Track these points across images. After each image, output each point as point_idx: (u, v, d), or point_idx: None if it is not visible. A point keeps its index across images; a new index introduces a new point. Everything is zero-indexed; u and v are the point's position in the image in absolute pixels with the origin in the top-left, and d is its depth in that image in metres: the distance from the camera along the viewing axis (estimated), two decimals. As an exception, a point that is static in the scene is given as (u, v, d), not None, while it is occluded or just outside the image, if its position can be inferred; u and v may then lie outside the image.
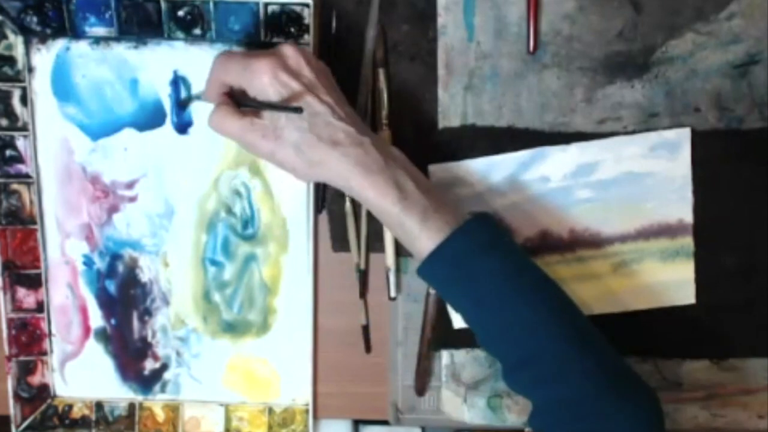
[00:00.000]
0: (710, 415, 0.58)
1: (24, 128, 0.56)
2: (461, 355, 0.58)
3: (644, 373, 0.58)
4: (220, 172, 0.57)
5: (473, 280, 0.47)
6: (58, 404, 0.59)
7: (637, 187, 0.56)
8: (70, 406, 0.59)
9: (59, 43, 0.55)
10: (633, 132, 0.55)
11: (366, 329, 0.59)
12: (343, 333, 0.59)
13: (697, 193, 0.56)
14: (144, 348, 0.59)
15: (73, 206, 0.57)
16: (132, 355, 0.59)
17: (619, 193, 0.56)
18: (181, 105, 0.55)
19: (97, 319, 0.59)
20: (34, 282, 0.58)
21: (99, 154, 0.56)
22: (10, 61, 0.55)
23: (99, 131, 0.56)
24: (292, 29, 0.54)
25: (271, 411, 0.59)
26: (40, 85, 0.55)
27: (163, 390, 0.59)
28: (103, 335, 0.59)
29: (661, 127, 0.55)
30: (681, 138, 0.55)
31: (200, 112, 0.56)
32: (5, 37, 0.54)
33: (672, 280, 0.56)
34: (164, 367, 0.59)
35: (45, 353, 0.59)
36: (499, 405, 0.58)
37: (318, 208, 0.57)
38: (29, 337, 0.58)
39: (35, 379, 0.59)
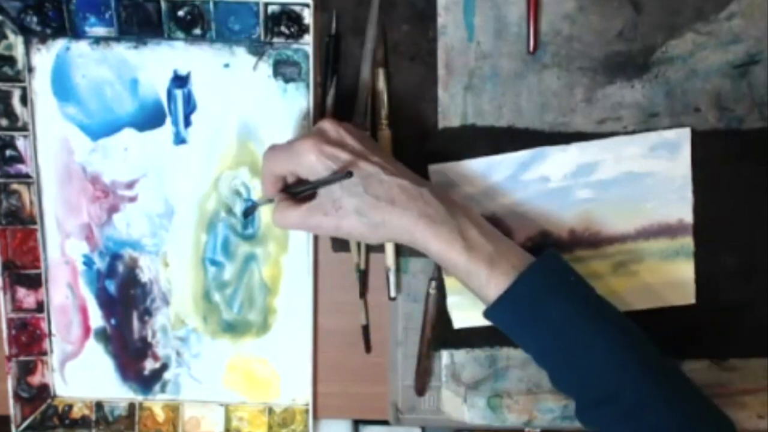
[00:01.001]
0: (710, 415, 0.58)
1: (24, 128, 0.56)
2: (461, 355, 0.58)
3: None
4: (220, 172, 0.57)
5: (543, 323, 0.46)
6: (58, 404, 0.59)
7: (637, 187, 0.56)
8: (70, 406, 0.59)
9: (59, 43, 0.55)
10: (633, 132, 0.55)
11: (366, 329, 0.59)
12: (343, 333, 0.59)
13: (697, 193, 0.56)
14: (144, 348, 0.59)
15: (73, 206, 0.57)
16: (132, 355, 0.59)
17: (619, 193, 0.56)
18: (246, 214, 0.57)
19: (97, 319, 0.59)
20: (34, 282, 0.58)
21: (99, 154, 0.56)
22: (10, 61, 0.55)
23: (99, 131, 0.56)
24: (292, 29, 0.54)
25: (271, 411, 0.59)
26: (40, 85, 0.55)
27: (163, 390, 0.59)
28: (103, 335, 0.59)
29: (661, 127, 0.55)
30: (681, 138, 0.55)
31: (200, 113, 0.56)
32: (5, 37, 0.54)
33: (672, 280, 0.56)
34: (164, 367, 0.59)
35: (45, 353, 0.59)
36: (499, 405, 0.58)
37: (318, 208, 0.57)
38: (29, 337, 0.58)
39: (35, 379, 0.59)
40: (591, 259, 0.56)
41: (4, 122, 0.55)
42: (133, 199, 0.57)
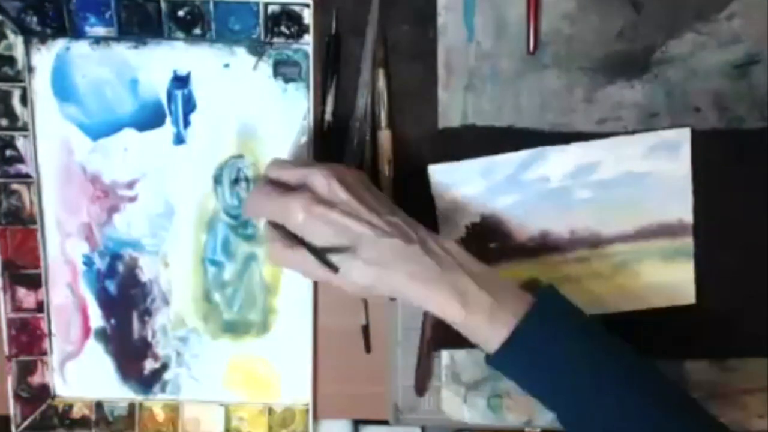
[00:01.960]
0: (710, 415, 0.58)
1: (24, 128, 0.56)
2: (461, 355, 0.58)
3: (644, 373, 0.58)
4: (220, 172, 0.57)
5: (546, 368, 0.46)
6: (58, 404, 0.59)
7: (637, 187, 0.56)
8: (70, 406, 0.59)
9: (59, 43, 0.55)
10: (633, 132, 0.55)
11: (366, 329, 0.59)
12: (343, 333, 0.59)
13: (697, 193, 0.56)
14: (144, 348, 0.59)
15: (73, 206, 0.57)
16: (132, 355, 0.59)
17: (619, 193, 0.56)
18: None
19: (97, 319, 0.59)
20: (34, 282, 0.58)
21: (99, 154, 0.56)
22: (10, 61, 0.55)
23: (99, 131, 0.56)
24: (292, 29, 0.54)
25: (271, 411, 0.59)
26: (40, 85, 0.55)
27: (163, 390, 0.59)
28: (103, 335, 0.59)
29: (661, 127, 0.55)
30: (681, 138, 0.55)
31: (200, 113, 0.56)
32: (5, 37, 0.54)
33: (672, 280, 0.56)
34: (164, 367, 0.59)
35: (45, 353, 0.59)
36: (499, 405, 0.58)
37: (318, 208, 0.57)
38: (29, 337, 0.58)
39: (35, 379, 0.59)
40: (591, 259, 0.56)
41: (4, 122, 0.55)
42: (133, 199, 0.57)
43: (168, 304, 0.58)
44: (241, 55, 0.55)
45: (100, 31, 0.54)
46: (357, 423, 0.61)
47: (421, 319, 0.57)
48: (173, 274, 0.58)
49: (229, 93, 0.55)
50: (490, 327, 0.45)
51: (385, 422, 0.60)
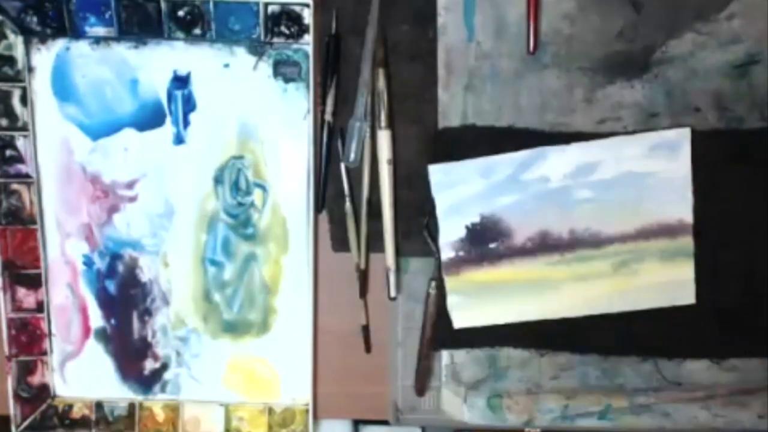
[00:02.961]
0: (710, 415, 0.58)
1: (24, 128, 0.56)
2: (461, 355, 0.58)
3: (644, 373, 0.58)
4: (220, 172, 0.57)
5: None
6: (58, 404, 0.59)
7: (637, 187, 0.56)
8: (70, 406, 0.59)
9: (59, 43, 0.55)
10: (633, 132, 0.55)
11: (366, 329, 0.59)
12: (343, 333, 0.59)
13: (697, 193, 0.56)
14: (144, 348, 0.59)
15: (73, 206, 0.57)
16: (132, 355, 0.59)
17: (619, 193, 0.56)
18: None
19: (97, 319, 0.59)
20: (34, 282, 0.58)
21: (99, 154, 0.56)
22: (10, 61, 0.55)
23: (99, 131, 0.56)
24: (292, 29, 0.54)
25: (271, 411, 0.59)
26: (40, 85, 0.55)
27: (163, 390, 0.59)
28: (103, 335, 0.59)
29: (661, 127, 0.55)
30: (681, 138, 0.55)
31: (200, 113, 0.56)
32: (5, 37, 0.54)
33: (672, 280, 0.56)
34: (164, 367, 0.59)
35: (45, 353, 0.59)
36: (499, 405, 0.58)
37: (318, 208, 0.57)
38: (29, 337, 0.58)
39: (35, 379, 0.59)
40: (591, 259, 0.56)
41: (4, 122, 0.55)
42: (133, 199, 0.57)
43: (168, 304, 0.58)
44: (241, 55, 0.55)
45: (100, 31, 0.54)
46: (357, 423, 0.61)
47: (421, 319, 0.57)
48: (173, 274, 0.58)
49: (229, 93, 0.55)
50: None
51: (385, 422, 0.60)
